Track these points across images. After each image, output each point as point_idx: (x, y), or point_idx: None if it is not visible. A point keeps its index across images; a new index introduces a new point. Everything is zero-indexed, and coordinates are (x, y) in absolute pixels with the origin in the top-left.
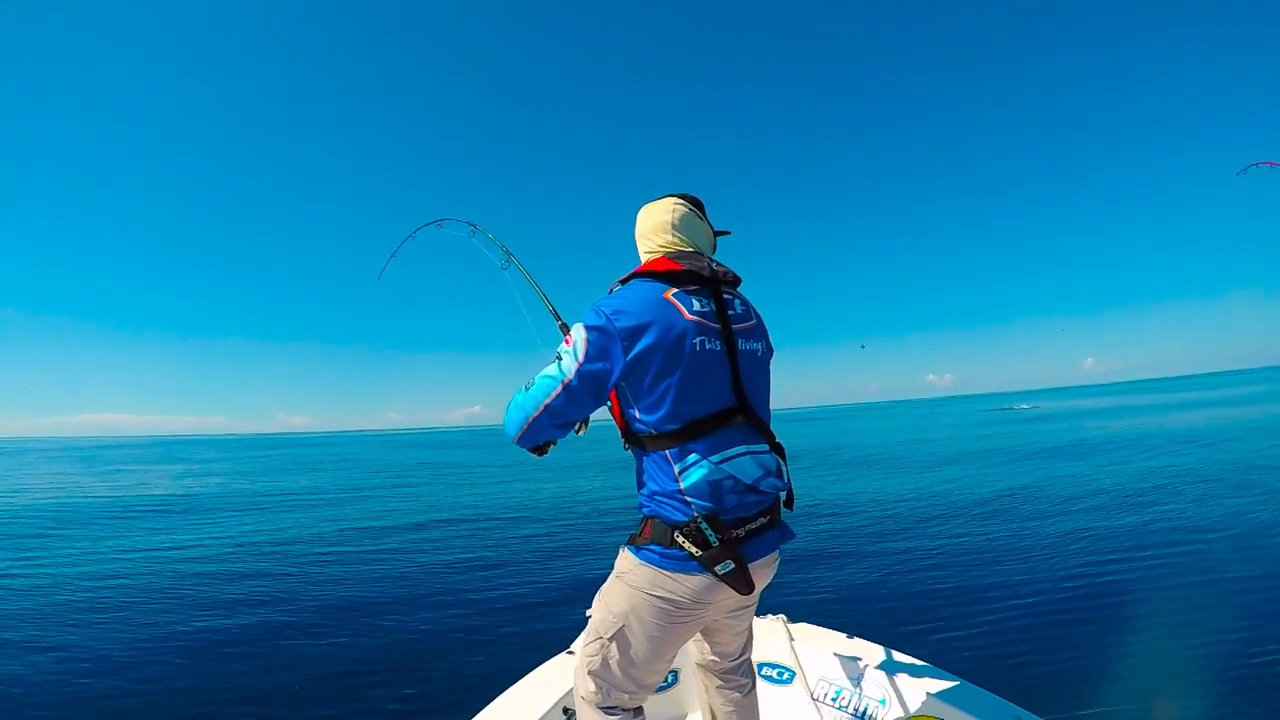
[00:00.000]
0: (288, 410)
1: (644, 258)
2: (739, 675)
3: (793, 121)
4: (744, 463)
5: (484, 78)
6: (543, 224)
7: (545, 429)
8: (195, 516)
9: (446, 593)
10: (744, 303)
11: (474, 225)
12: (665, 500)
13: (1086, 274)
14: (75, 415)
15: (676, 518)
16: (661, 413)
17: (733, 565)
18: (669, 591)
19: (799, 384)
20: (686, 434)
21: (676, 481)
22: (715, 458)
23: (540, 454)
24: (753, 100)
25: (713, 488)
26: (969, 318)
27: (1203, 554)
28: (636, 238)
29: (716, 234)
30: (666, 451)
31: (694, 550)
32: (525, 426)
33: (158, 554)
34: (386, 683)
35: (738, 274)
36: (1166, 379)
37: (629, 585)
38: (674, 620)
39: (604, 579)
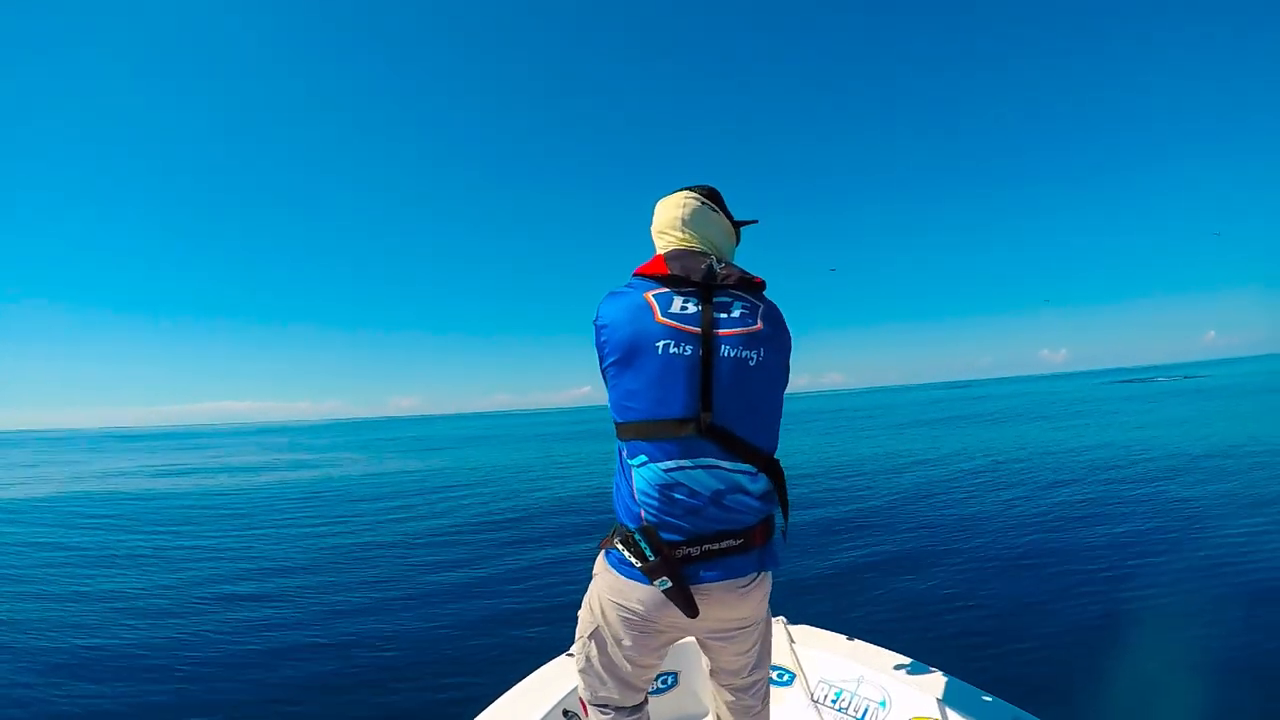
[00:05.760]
0: (399, 394)
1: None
2: (748, 696)
3: (911, 90)
4: (697, 475)
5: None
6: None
7: None
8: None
9: (445, 593)
10: (750, 307)
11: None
12: (623, 501)
13: (1207, 250)
14: (198, 404)
15: (625, 522)
16: (618, 407)
17: (670, 584)
18: (625, 599)
19: (905, 359)
20: (635, 431)
21: (630, 480)
22: (665, 464)
23: None
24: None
25: (661, 495)
26: (1079, 297)
27: (1227, 555)
28: (652, 234)
29: (739, 224)
30: (624, 446)
31: (634, 561)
32: None
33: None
34: (385, 685)
35: (750, 275)
36: None
37: (598, 587)
38: (638, 630)
39: None
